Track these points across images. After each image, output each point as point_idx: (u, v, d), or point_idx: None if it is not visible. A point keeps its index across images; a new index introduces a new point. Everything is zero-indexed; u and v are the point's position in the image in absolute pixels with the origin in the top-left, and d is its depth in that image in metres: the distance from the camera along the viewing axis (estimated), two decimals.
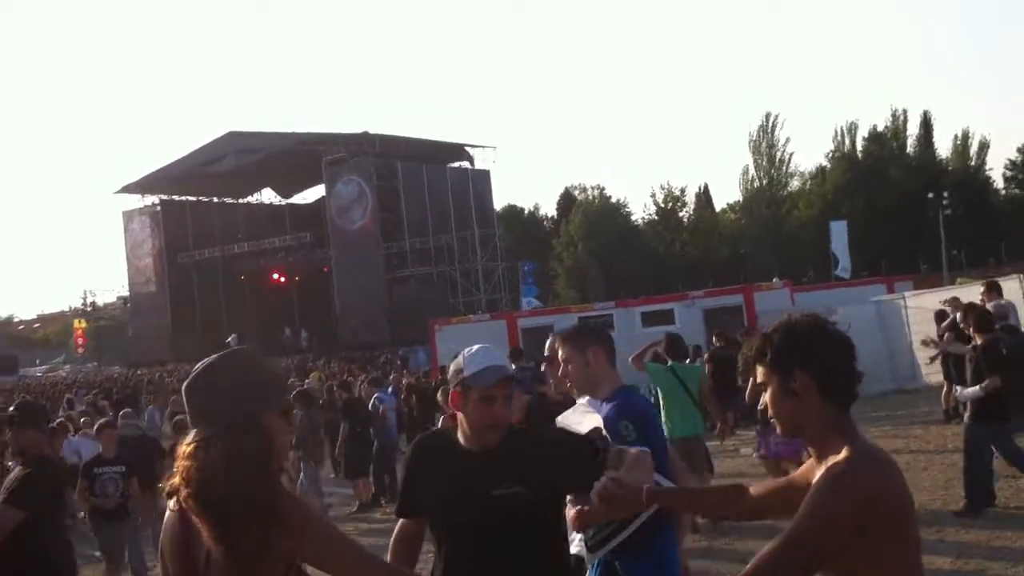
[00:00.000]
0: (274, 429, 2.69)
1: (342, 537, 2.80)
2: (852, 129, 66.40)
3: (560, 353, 4.44)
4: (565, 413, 4.46)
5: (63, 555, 6.03)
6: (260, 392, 2.72)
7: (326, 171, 55.61)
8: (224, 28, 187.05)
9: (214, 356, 2.81)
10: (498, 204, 66.01)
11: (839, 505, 2.35)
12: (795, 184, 68.71)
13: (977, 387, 8.99)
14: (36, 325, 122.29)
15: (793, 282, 27.84)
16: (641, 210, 74.99)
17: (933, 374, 16.09)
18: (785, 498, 2.80)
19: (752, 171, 68.51)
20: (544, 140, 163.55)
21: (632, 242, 68.25)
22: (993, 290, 12.27)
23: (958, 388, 9.40)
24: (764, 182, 67.86)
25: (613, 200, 74.54)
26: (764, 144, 67.67)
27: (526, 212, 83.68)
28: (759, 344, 2.66)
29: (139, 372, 45.16)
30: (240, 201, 68.53)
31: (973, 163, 66.30)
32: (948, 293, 17.01)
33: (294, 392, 14.50)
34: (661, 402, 10.41)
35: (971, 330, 9.59)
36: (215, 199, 66.14)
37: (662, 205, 72.08)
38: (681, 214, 72.90)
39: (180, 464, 2.61)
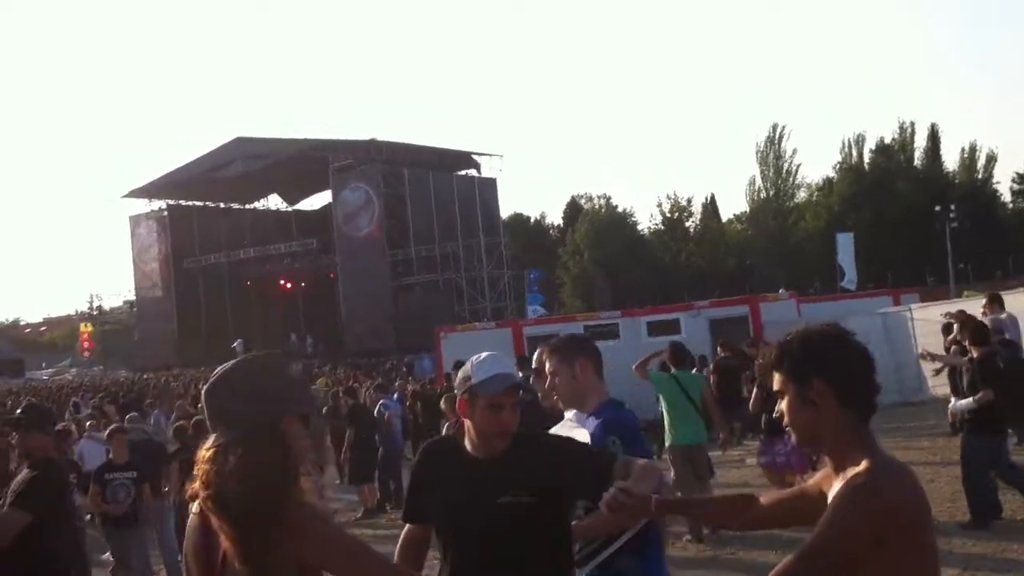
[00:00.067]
0: (293, 434, 2.70)
1: (358, 544, 2.80)
2: (859, 141, 66.57)
3: (547, 365, 4.37)
4: (551, 430, 4.43)
5: (70, 557, 6.04)
6: (279, 397, 2.73)
7: (333, 178, 55.69)
8: (233, 34, 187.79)
9: (235, 360, 2.84)
10: (504, 212, 66.15)
11: (860, 516, 2.34)
12: (802, 195, 68.75)
13: (970, 399, 9.01)
14: (43, 328, 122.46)
15: (799, 293, 27.79)
16: (647, 220, 75.15)
17: (939, 386, 16.06)
18: (796, 508, 2.80)
19: (759, 182, 68.65)
20: (551, 149, 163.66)
21: (638, 252, 68.32)
22: (995, 303, 12.27)
23: (952, 399, 9.43)
24: (771, 193, 67.92)
25: (619, 210, 74.69)
26: (771, 155, 67.75)
27: (532, 220, 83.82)
28: (777, 351, 2.65)
29: (145, 376, 45.17)
30: (247, 207, 68.64)
31: (980, 176, 66.33)
32: (955, 306, 16.98)
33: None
34: (664, 410, 10.47)
35: (967, 343, 9.60)
36: (222, 204, 66.25)
37: (668, 215, 72.17)
38: (687, 224, 73.00)
39: (199, 468, 2.63)
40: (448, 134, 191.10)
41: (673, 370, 10.77)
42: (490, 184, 59.58)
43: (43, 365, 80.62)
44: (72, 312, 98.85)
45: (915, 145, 66.37)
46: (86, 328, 75.51)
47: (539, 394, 7.34)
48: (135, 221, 64.05)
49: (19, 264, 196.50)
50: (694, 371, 15.00)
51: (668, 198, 72.69)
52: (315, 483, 2.82)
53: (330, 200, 58.91)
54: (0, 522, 5.67)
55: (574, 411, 4.25)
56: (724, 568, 8.89)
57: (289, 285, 62.26)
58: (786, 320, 20.74)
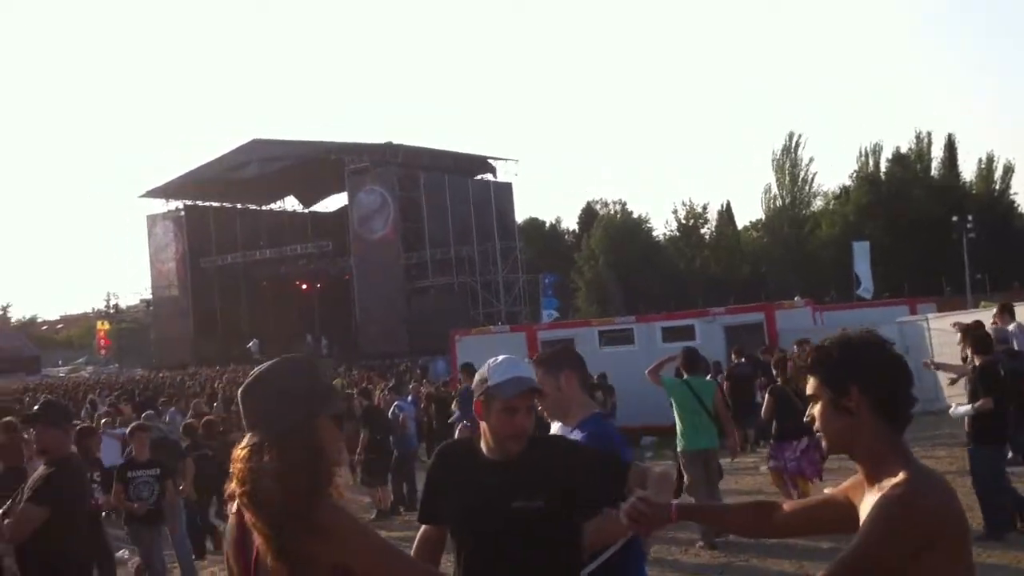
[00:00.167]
0: (325, 435, 2.75)
1: (388, 546, 2.83)
2: (876, 150, 66.33)
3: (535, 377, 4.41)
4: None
5: (87, 553, 6.07)
6: (313, 398, 2.77)
7: (349, 180, 55.75)
8: (251, 36, 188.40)
9: (270, 362, 2.87)
10: (520, 217, 66.14)
11: (902, 525, 2.33)
12: (818, 204, 68.60)
13: (969, 406, 9.01)
14: (59, 326, 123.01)
15: (815, 301, 27.70)
16: (663, 226, 75.09)
17: (956, 396, 16.00)
18: (821, 516, 2.79)
19: (775, 190, 68.53)
20: (567, 154, 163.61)
21: (653, 258, 68.26)
22: (1006, 313, 12.23)
23: (952, 405, 9.42)
24: (786, 201, 67.77)
25: (635, 216, 74.64)
26: (787, 163, 67.61)
27: (547, 225, 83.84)
28: (814, 355, 2.63)
29: (161, 375, 45.37)
30: (263, 208, 68.80)
31: (997, 187, 66.07)
32: (971, 316, 16.92)
33: None
34: (677, 415, 10.53)
35: (970, 352, 9.58)
36: (238, 205, 66.39)
37: (684, 222, 72.08)
38: (703, 231, 72.88)
39: (235, 467, 2.69)
40: (465, 138, 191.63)
41: (686, 376, 10.81)
42: (506, 188, 59.58)
43: (59, 363, 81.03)
44: (89, 310, 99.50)
45: (932, 155, 66.23)
46: (103, 326, 75.89)
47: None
48: (152, 221, 64.28)
49: (37, 262, 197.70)
50: (708, 377, 15.05)
51: (684, 205, 72.73)
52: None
53: (346, 202, 58.97)
54: (17, 518, 5.71)
55: (559, 423, 4.25)
56: (737, 575, 8.88)
57: (305, 287, 62.42)
58: (801, 328, 20.72)
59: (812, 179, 67.96)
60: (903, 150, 65.83)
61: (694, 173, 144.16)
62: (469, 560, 3.38)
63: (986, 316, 15.93)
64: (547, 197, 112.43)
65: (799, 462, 10.82)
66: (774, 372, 12.06)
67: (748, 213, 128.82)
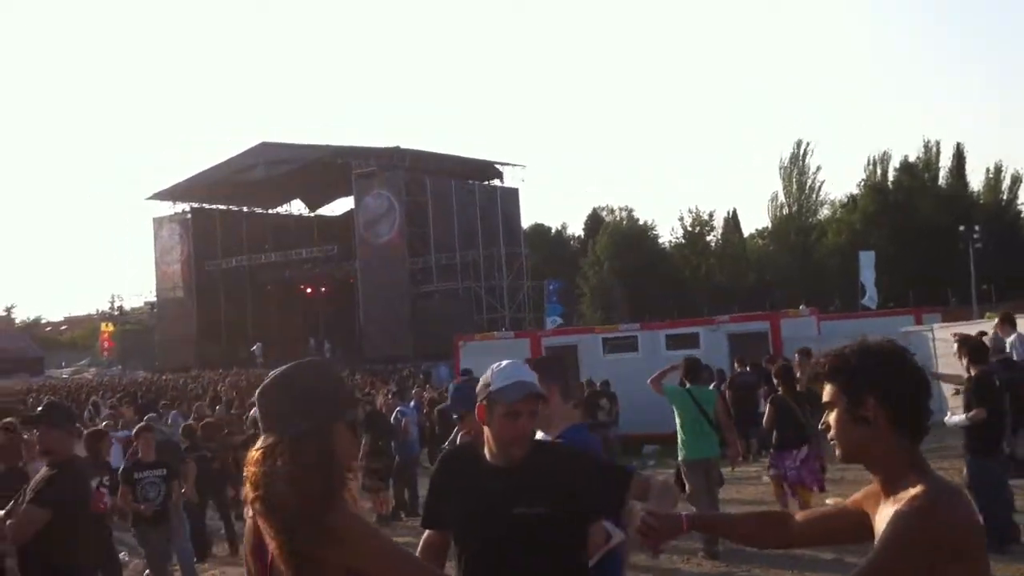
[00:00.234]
0: (340, 440, 2.75)
1: (402, 552, 2.84)
2: (884, 159, 66.21)
3: None
4: None
5: (92, 557, 6.06)
6: (329, 403, 2.78)
7: (355, 184, 55.82)
8: (260, 40, 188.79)
9: (288, 365, 2.88)
10: (526, 223, 66.16)
11: (922, 537, 2.31)
12: (825, 212, 68.52)
13: (963, 416, 8.99)
14: (63, 327, 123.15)
15: (820, 310, 27.66)
16: (668, 233, 75.02)
17: (960, 407, 15.95)
18: (834, 527, 2.78)
19: (781, 198, 68.45)
20: (573, 160, 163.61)
21: (658, 265, 68.19)
22: (1007, 323, 12.20)
23: (948, 414, 9.42)
24: (793, 209, 67.68)
25: (641, 222, 74.62)
26: (794, 171, 67.52)
27: (553, 231, 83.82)
28: (832, 362, 2.59)
29: (163, 377, 45.38)
30: (269, 211, 68.95)
31: (1005, 197, 65.92)
32: (976, 327, 16.88)
33: None
34: (679, 424, 10.57)
35: (965, 362, 9.56)
36: (244, 208, 66.54)
37: (690, 229, 72.00)
38: (709, 238, 72.79)
39: (248, 469, 2.71)
40: (472, 144, 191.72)
41: (687, 385, 10.83)
42: (512, 194, 59.62)
43: (63, 364, 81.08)
44: (93, 312, 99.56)
45: (940, 164, 66.05)
46: (107, 328, 75.87)
47: None
48: (158, 223, 64.42)
49: (42, 263, 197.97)
50: (711, 386, 15.06)
51: (690, 212, 72.61)
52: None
53: (352, 206, 59.05)
54: (19, 519, 5.71)
55: (541, 434, 4.26)
56: None
57: (310, 290, 62.50)
58: (806, 337, 20.68)
59: (819, 187, 67.94)
60: (911, 159, 65.79)
61: (700, 180, 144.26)
62: (471, 566, 3.38)
63: (991, 327, 15.92)
64: (553, 203, 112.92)
65: (799, 471, 10.84)
66: (775, 382, 12.04)
67: (754, 221, 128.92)
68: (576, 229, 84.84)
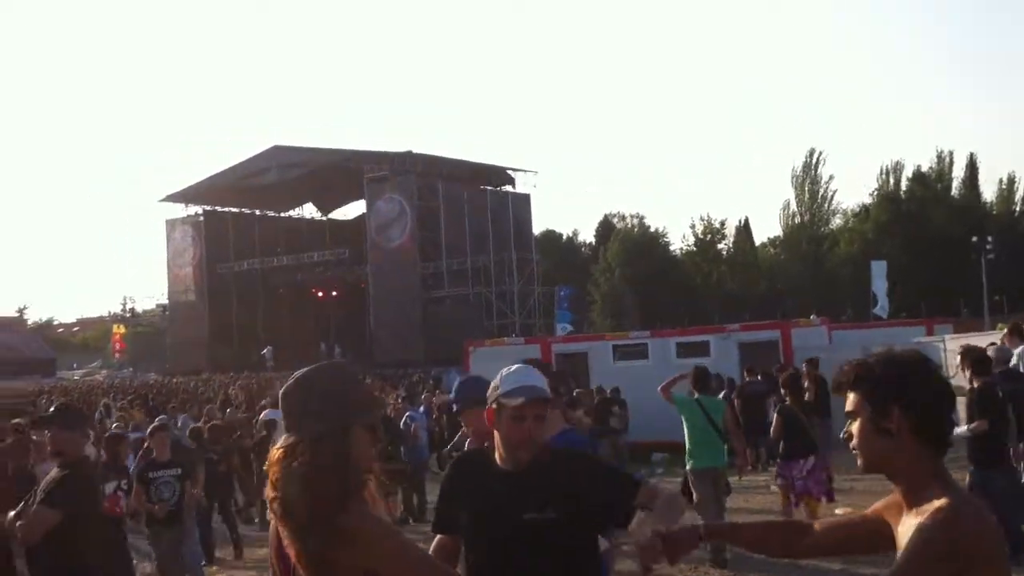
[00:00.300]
0: (359, 442, 2.79)
1: (421, 556, 2.87)
2: (897, 169, 66.07)
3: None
4: None
5: (107, 560, 6.07)
6: (350, 405, 2.82)
7: (367, 188, 55.89)
8: (273, 44, 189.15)
9: (310, 367, 2.93)
10: (537, 229, 66.15)
11: (946, 550, 2.29)
12: (837, 222, 68.37)
13: (965, 427, 8.97)
14: (75, 329, 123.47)
15: (831, 320, 27.60)
16: (680, 241, 74.94)
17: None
18: (854, 535, 2.77)
19: (793, 206, 68.34)
20: (585, 167, 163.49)
21: (670, 272, 68.12)
22: (1015, 334, 12.15)
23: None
24: (805, 218, 67.56)
25: (652, 230, 74.56)
26: (807, 180, 67.42)
27: (564, 238, 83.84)
28: (857, 371, 2.56)
29: (174, 380, 45.48)
30: (281, 215, 69.04)
31: (1018, 208, 65.75)
32: (988, 338, 16.84)
33: None
34: (687, 433, 10.62)
35: (968, 373, 9.54)
36: (257, 212, 66.65)
37: (701, 237, 71.91)
38: (720, 246, 72.69)
39: (268, 469, 2.77)
40: (484, 149, 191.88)
41: (696, 394, 10.87)
42: (524, 200, 59.61)
43: (74, 365, 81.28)
44: (105, 313, 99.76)
45: (953, 175, 65.91)
46: (118, 330, 76.11)
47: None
48: (171, 225, 64.58)
49: (55, 264, 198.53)
50: (721, 394, 15.07)
51: (701, 220, 72.54)
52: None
53: (364, 210, 59.13)
54: (29, 520, 5.74)
55: None
56: None
57: (321, 294, 62.61)
58: (817, 346, 20.63)
59: (832, 197, 67.81)
60: (924, 169, 65.64)
61: (712, 189, 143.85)
62: (481, 570, 3.39)
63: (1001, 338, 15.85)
64: (565, 210, 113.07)
65: (806, 481, 10.85)
66: (782, 392, 12.06)
67: (766, 230, 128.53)
68: (587, 236, 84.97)
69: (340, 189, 63.27)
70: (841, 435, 2.65)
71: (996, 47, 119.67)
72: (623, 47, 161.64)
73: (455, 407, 5.29)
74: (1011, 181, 66.02)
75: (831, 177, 67.75)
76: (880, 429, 2.47)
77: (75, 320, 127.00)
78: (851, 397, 2.56)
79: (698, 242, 72.00)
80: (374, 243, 55.13)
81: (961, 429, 9.06)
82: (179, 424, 19.02)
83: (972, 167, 66.06)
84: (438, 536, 3.63)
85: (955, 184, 65.90)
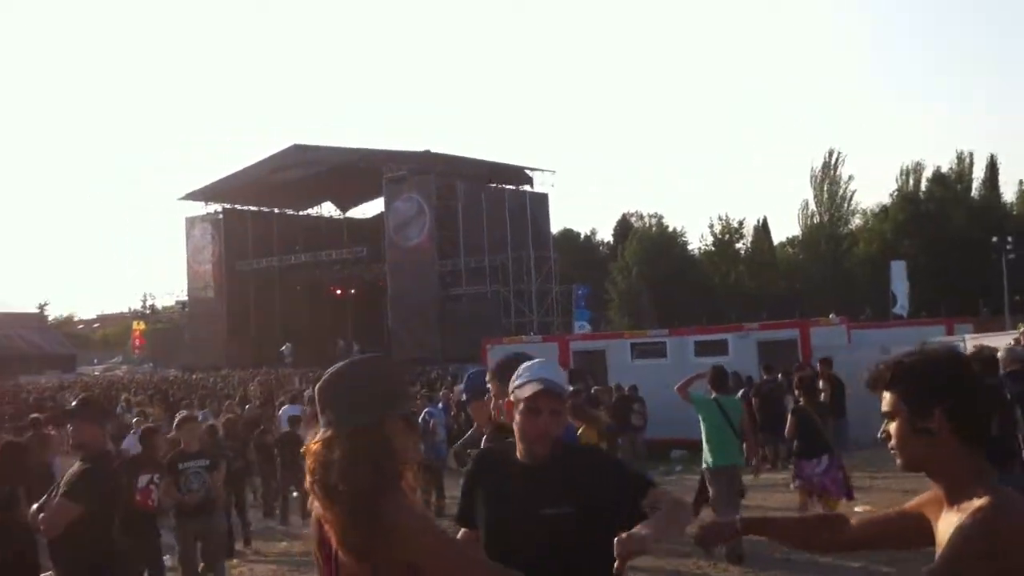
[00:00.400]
0: (396, 434, 2.82)
1: (459, 546, 2.93)
2: (917, 170, 65.71)
3: (491, 388, 4.40)
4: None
5: (120, 548, 6.12)
6: (386, 397, 2.85)
7: (386, 187, 55.99)
8: (295, 43, 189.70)
9: (346, 360, 2.96)
10: (555, 228, 66.11)
11: (988, 550, 2.27)
12: (856, 222, 68.05)
13: None
14: (96, 325, 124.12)
15: (850, 319, 27.49)
16: (698, 240, 74.74)
17: None
18: (893, 530, 2.76)
19: (812, 206, 68.03)
20: (604, 167, 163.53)
21: (688, 272, 67.96)
22: None
23: None
24: (824, 219, 67.27)
25: (670, 229, 74.39)
26: (826, 181, 67.13)
27: (582, 237, 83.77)
28: (894, 371, 2.52)
29: (193, 376, 45.67)
30: (300, 213, 69.28)
31: None
32: (1008, 338, 16.76)
33: None
34: (704, 431, 10.66)
35: None
36: (276, 210, 66.87)
37: (719, 236, 71.70)
38: (738, 246, 72.47)
39: (308, 461, 2.80)
40: (502, 149, 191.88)
41: (714, 393, 10.91)
42: (542, 199, 59.59)
43: (94, 361, 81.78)
44: (126, 310, 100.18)
45: (973, 176, 65.54)
46: (138, 326, 76.47)
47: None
48: (190, 223, 64.90)
49: (76, 261, 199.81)
50: (739, 393, 15.07)
51: (720, 219, 72.33)
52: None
53: (382, 209, 59.24)
54: (51, 512, 5.78)
55: None
56: None
57: (339, 292, 62.77)
58: (836, 346, 20.56)
59: (851, 197, 67.48)
60: (944, 170, 65.27)
61: (731, 188, 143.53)
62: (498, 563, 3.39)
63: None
64: (583, 209, 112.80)
65: (822, 479, 10.89)
66: (796, 392, 12.09)
67: (785, 230, 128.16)
68: (605, 235, 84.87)
69: (359, 188, 63.41)
70: (879, 435, 2.60)
71: (1018, 48, 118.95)
72: (643, 47, 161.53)
73: (464, 399, 5.30)
74: None
75: (850, 177, 67.48)
76: (920, 429, 2.44)
77: (95, 316, 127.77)
78: (888, 397, 2.53)
79: (716, 242, 71.80)
80: (392, 242, 55.22)
81: None
82: (199, 419, 19.11)
83: (992, 168, 65.71)
84: (462, 529, 3.64)
85: (975, 185, 65.56)
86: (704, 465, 10.92)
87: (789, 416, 11.64)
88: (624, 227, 78.21)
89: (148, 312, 76.45)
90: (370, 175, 56.53)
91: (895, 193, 66.06)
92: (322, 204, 70.17)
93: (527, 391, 3.34)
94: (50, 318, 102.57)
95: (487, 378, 4.50)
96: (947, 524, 2.41)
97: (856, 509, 10.86)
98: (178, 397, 28.11)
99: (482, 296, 53.42)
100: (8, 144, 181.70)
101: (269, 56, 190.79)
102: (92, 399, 8.19)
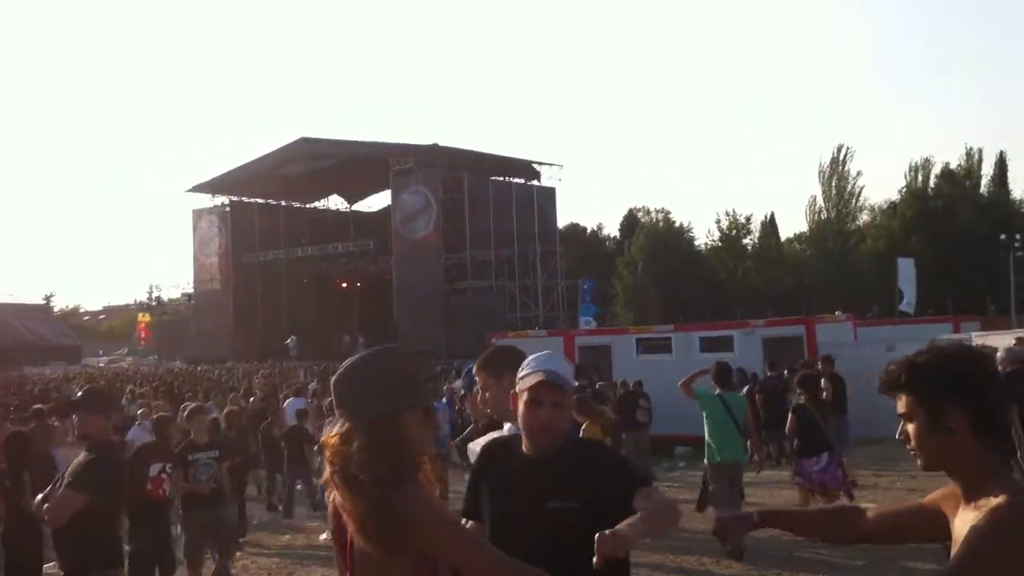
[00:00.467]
0: (412, 425, 2.84)
1: (473, 538, 2.93)
2: (926, 166, 65.53)
3: (478, 380, 4.39)
4: (478, 440, 4.43)
5: (150, 548, 6.11)
6: (403, 389, 2.87)
7: (393, 181, 56.03)
8: (302, 37, 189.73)
9: (362, 353, 2.98)
10: (561, 222, 66.06)
11: (1006, 547, 2.25)
12: (864, 218, 67.89)
13: None
14: (101, 316, 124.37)
15: (857, 316, 27.42)
16: (705, 235, 74.65)
17: None
18: (910, 523, 2.75)
19: (820, 202, 67.82)
20: (611, 162, 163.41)
21: (694, 267, 67.88)
22: None
23: None
24: (832, 215, 67.08)
25: (677, 224, 74.31)
26: (834, 176, 66.92)
27: (588, 231, 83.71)
28: (907, 372, 2.49)
29: (199, 368, 45.75)
30: (307, 206, 69.34)
31: None
32: (1014, 336, 16.71)
33: (331, 399, 14.63)
34: (707, 428, 10.67)
35: None
36: (282, 202, 66.95)
37: (727, 232, 71.59)
38: (745, 242, 72.36)
39: (327, 453, 2.84)
40: (509, 143, 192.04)
41: (718, 390, 10.91)
42: (549, 193, 59.58)
43: (100, 352, 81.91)
44: (131, 302, 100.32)
45: (982, 172, 65.33)
46: (144, 318, 76.56)
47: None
48: (197, 215, 64.98)
49: (82, 252, 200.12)
50: (744, 389, 15.05)
51: (727, 215, 72.20)
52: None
53: (389, 202, 59.25)
54: (56, 502, 5.78)
55: (508, 424, 4.23)
56: None
57: (345, 284, 62.82)
58: (842, 342, 20.52)
59: (859, 193, 67.27)
60: (953, 166, 65.11)
61: (738, 184, 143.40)
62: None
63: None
64: (589, 203, 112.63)
65: (822, 475, 10.92)
66: (798, 391, 12.08)
67: (792, 226, 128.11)
68: (612, 230, 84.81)
69: (366, 181, 63.46)
70: (897, 436, 2.58)
71: None
72: (652, 42, 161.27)
73: (463, 393, 5.30)
74: None
75: (859, 173, 67.17)
76: (938, 427, 2.42)
77: (101, 308, 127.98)
78: (904, 399, 2.50)
79: (723, 237, 71.68)
80: (399, 235, 55.24)
81: None
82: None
83: (1001, 164, 65.49)
84: (469, 522, 3.64)
85: (983, 182, 65.34)
86: (707, 461, 10.92)
87: (790, 414, 11.65)
88: (631, 222, 78.14)
89: (154, 304, 76.54)
90: (377, 168, 56.55)
91: (903, 189, 65.92)
92: (329, 197, 70.26)
93: (529, 382, 3.33)
94: (56, 309, 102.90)
95: (474, 370, 4.50)
96: (963, 521, 2.39)
97: (861, 506, 10.84)
98: (183, 389, 28.17)
99: (487, 290, 53.45)
100: (17, 134, 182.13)
101: (278, 50, 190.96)
102: (97, 390, 8.21)
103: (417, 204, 54.32)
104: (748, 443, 11.77)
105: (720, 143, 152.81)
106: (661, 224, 74.64)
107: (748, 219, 72.23)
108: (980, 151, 65.41)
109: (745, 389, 15.70)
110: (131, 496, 8.82)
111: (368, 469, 2.71)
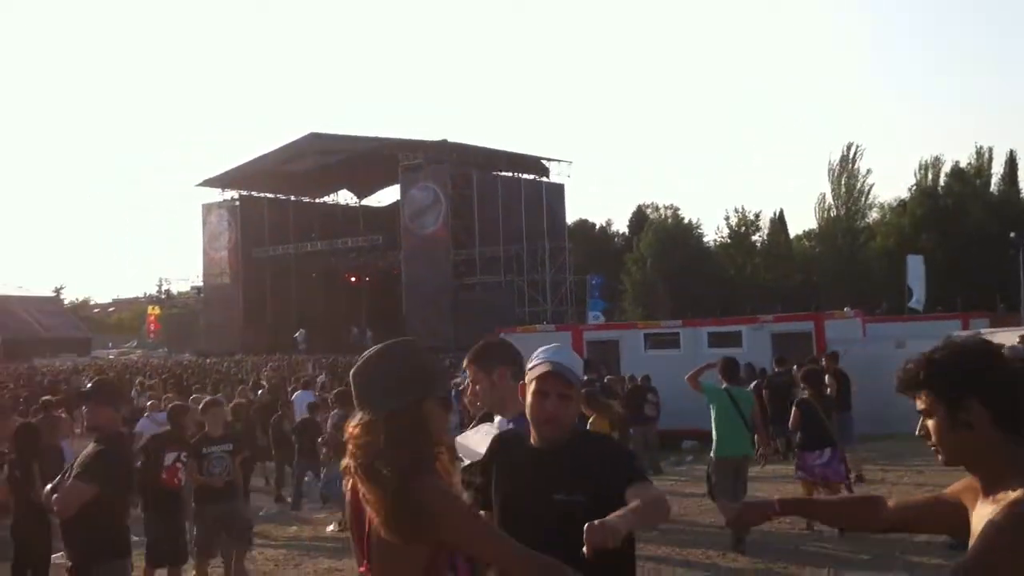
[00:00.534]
0: (431, 416, 2.90)
1: (490, 528, 2.97)
2: (936, 164, 65.33)
3: (468, 374, 4.42)
4: (466, 433, 4.46)
5: (166, 539, 6.13)
6: (421, 380, 2.92)
7: (402, 176, 56.03)
8: (313, 32, 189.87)
9: (380, 345, 3.01)
10: (570, 218, 65.98)
11: (1022, 540, 2.23)
12: (873, 216, 67.74)
13: None
14: (111, 309, 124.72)
15: (866, 313, 27.38)
16: (714, 232, 74.54)
17: None
18: (929, 514, 2.76)
19: (829, 200, 67.63)
20: (620, 158, 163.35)
21: (703, 263, 67.79)
22: None
23: None
24: (841, 212, 66.91)
25: (686, 221, 74.21)
26: (844, 174, 66.74)
27: (597, 228, 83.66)
28: (926, 369, 2.48)
29: (208, 361, 45.84)
30: (316, 201, 69.40)
31: None
32: (1019, 334, 16.67)
33: (335, 391, 14.69)
34: (713, 421, 10.71)
35: None
36: (292, 197, 67.01)
37: (736, 228, 71.48)
38: (754, 238, 72.23)
39: (348, 444, 2.89)
40: (519, 139, 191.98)
41: (725, 384, 10.93)
42: (558, 189, 59.52)
43: (109, 345, 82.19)
44: (141, 295, 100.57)
45: (992, 171, 65.12)
46: (153, 311, 76.79)
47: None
48: (207, 209, 65.04)
49: (92, 245, 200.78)
50: (752, 384, 15.06)
51: (736, 211, 72.05)
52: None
53: (398, 197, 59.28)
54: (65, 493, 5.81)
55: (499, 416, 4.28)
56: None
57: (354, 279, 62.88)
58: (850, 339, 20.49)
59: (869, 191, 67.08)
60: (963, 164, 64.92)
61: (747, 181, 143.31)
62: None
63: None
64: (598, 200, 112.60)
65: (823, 471, 10.98)
66: (802, 386, 12.11)
67: (801, 223, 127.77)
68: (621, 226, 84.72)
69: (375, 176, 63.47)
70: (917, 432, 2.57)
71: None
72: (660, 38, 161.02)
73: (461, 379, 5.32)
74: None
75: (868, 171, 66.98)
76: (958, 423, 2.42)
77: (111, 300, 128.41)
78: (923, 396, 2.50)
79: (732, 234, 71.56)
80: (408, 230, 55.25)
81: None
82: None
83: (1012, 163, 65.25)
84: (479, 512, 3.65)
85: (994, 180, 65.14)
86: (712, 455, 10.95)
87: (793, 408, 11.69)
88: (640, 218, 78.05)
89: (163, 297, 76.71)
90: (386, 163, 56.55)
91: (913, 187, 65.75)
92: (338, 192, 70.31)
93: (536, 372, 3.35)
94: (66, 302, 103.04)
95: (465, 363, 4.52)
96: (981, 515, 2.39)
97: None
98: (192, 382, 28.24)
99: (496, 285, 53.43)
100: (29, 126, 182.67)
101: (288, 47, 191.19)
102: (107, 382, 8.24)
103: (426, 200, 54.32)
104: (755, 437, 11.79)
105: (728, 140, 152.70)
106: (670, 221, 74.50)
107: (757, 216, 72.11)
108: (990, 150, 65.27)
109: (753, 384, 15.69)
110: (146, 485, 8.89)
111: (388, 460, 2.75)
